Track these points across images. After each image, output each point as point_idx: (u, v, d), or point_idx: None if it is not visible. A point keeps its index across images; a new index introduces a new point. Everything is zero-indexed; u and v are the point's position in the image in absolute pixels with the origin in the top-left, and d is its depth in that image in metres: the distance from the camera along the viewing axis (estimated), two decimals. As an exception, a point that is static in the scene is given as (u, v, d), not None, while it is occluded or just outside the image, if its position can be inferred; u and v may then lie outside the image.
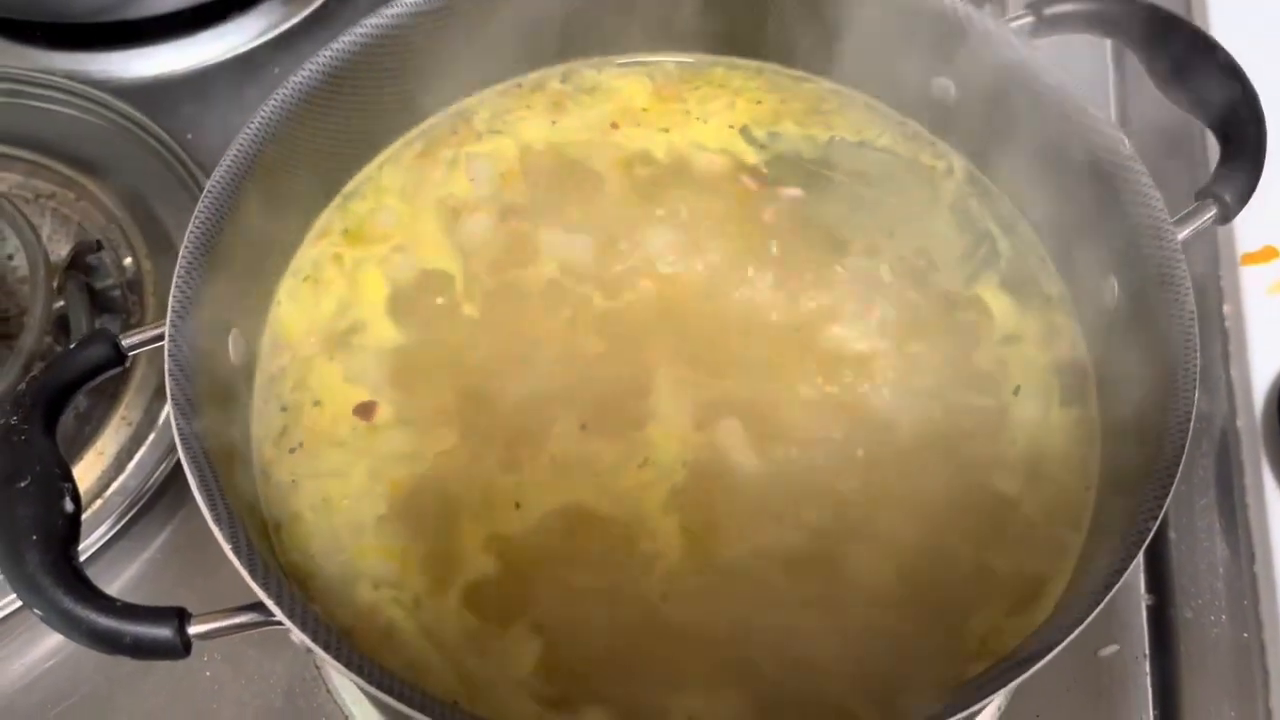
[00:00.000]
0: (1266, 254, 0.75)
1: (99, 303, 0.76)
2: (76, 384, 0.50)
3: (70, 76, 0.84)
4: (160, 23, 0.87)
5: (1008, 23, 0.62)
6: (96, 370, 0.51)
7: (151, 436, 0.70)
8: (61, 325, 0.74)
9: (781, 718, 0.49)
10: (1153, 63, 0.62)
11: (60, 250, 0.77)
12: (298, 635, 0.43)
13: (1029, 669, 0.45)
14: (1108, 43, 0.84)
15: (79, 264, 0.77)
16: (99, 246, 0.78)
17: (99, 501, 0.67)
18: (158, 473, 0.68)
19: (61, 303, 0.73)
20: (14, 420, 0.47)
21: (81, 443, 0.69)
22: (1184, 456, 0.48)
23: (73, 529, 0.45)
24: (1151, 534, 0.46)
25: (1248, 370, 0.71)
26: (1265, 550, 0.65)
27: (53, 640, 0.65)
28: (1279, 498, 0.66)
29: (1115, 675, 0.64)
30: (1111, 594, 0.46)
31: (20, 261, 0.77)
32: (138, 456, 0.69)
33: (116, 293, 0.77)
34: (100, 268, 0.78)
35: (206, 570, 0.67)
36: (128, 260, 0.77)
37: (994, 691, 0.45)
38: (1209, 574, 0.67)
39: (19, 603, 0.63)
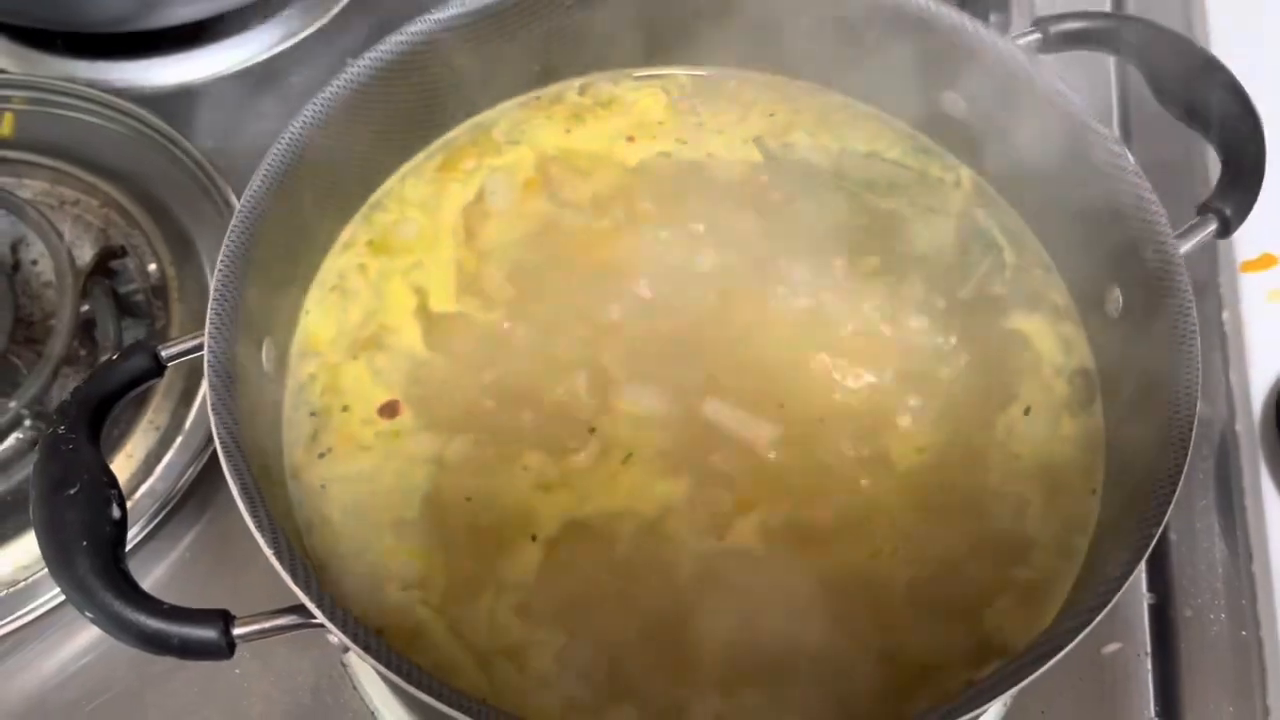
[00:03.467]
0: (1265, 261, 0.77)
1: (123, 307, 0.77)
2: (119, 394, 0.52)
3: (92, 85, 0.86)
4: (180, 32, 0.89)
5: (1015, 39, 0.64)
6: (137, 380, 0.52)
7: (179, 440, 0.71)
8: (86, 330, 0.75)
9: (799, 715, 0.51)
10: (1156, 80, 0.63)
11: (84, 256, 0.78)
12: (338, 637, 0.45)
13: (1032, 674, 0.46)
14: (1111, 59, 0.86)
15: (103, 269, 0.78)
16: (123, 252, 0.79)
17: (128, 504, 0.69)
18: (186, 475, 0.70)
19: (87, 307, 0.75)
20: (62, 430, 0.49)
21: (110, 446, 0.70)
22: (1186, 466, 0.50)
23: (120, 534, 0.47)
24: (1153, 543, 0.48)
25: (1246, 375, 0.73)
26: (1263, 550, 0.67)
27: (85, 638, 0.66)
28: (1277, 499, 0.68)
29: (1118, 672, 0.66)
30: (1114, 601, 0.47)
31: (44, 267, 0.79)
32: (166, 459, 0.71)
33: (140, 297, 0.78)
34: (124, 273, 0.79)
35: (234, 570, 0.69)
36: (152, 266, 0.79)
37: (1000, 694, 0.47)
38: (1208, 573, 0.69)
39: (52, 602, 0.65)
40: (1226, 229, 0.58)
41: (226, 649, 0.46)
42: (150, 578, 0.69)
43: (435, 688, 0.43)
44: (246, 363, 0.55)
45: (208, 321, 0.52)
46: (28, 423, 0.71)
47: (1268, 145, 0.60)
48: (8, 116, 0.84)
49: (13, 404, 0.69)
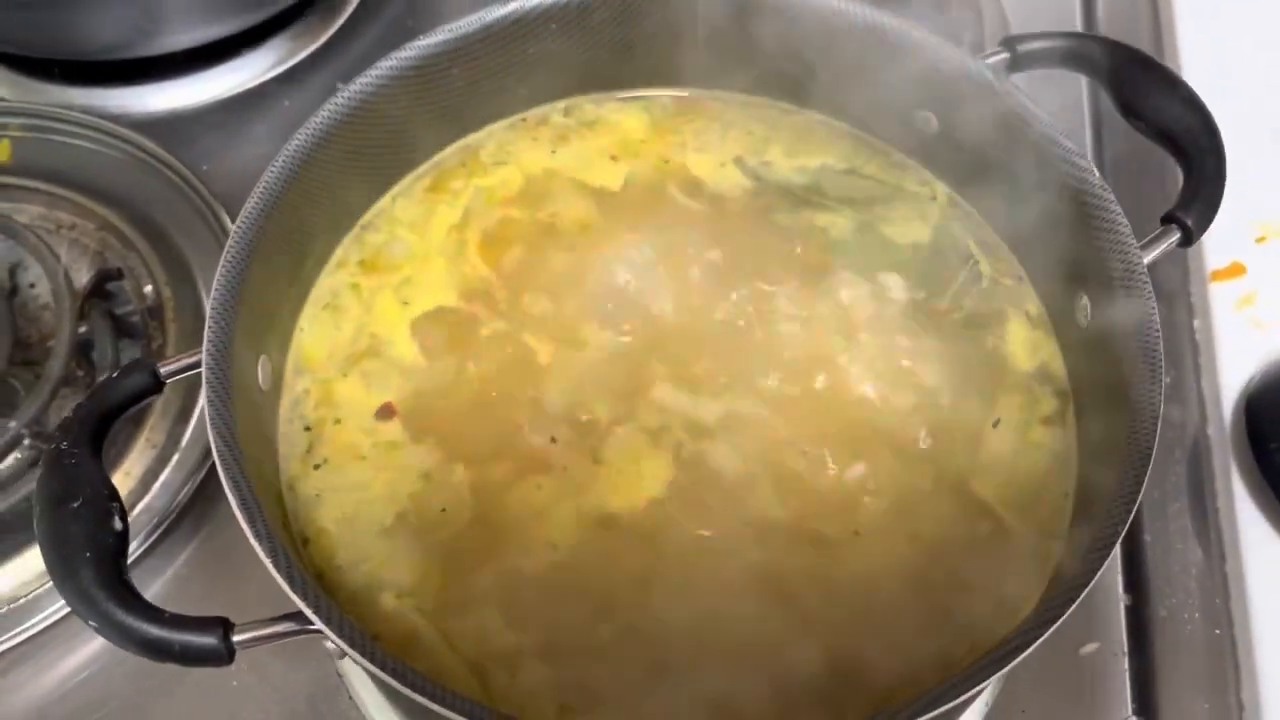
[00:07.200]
0: (1234, 270, 0.79)
1: (120, 329, 0.79)
2: (119, 410, 0.53)
3: (88, 111, 0.88)
4: (174, 59, 0.91)
5: (983, 59, 0.66)
6: (137, 397, 0.54)
7: (175, 457, 0.72)
8: (84, 351, 0.77)
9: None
10: (1120, 96, 0.65)
11: (81, 279, 0.79)
12: (334, 641, 0.46)
13: (1002, 668, 0.48)
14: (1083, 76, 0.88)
15: (99, 291, 0.80)
16: (120, 274, 0.81)
17: (126, 520, 0.70)
18: (183, 492, 0.71)
19: (84, 329, 0.76)
20: (64, 445, 0.50)
21: (108, 465, 0.69)
22: (1149, 470, 0.51)
23: (122, 546, 0.49)
24: (1118, 543, 0.50)
25: (1217, 381, 0.74)
26: (1235, 551, 0.69)
27: (85, 653, 0.67)
28: (1248, 502, 0.70)
29: (1095, 671, 0.67)
30: (1084, 595, 0.49)
31: (42, 289, 0.80)
32: (163, 477, 0.72)
33: (136, 319, 0.79)
34: (120, 295, 0.80)
35: (231, 584, 0.70)
36: (148, 288, 0.80)
37: (970, 688, 0.48)
38: (1182, 574, 0.71)
39: (53, 618, 0.67)
40: (1189, 239, 0.60)
41: (226, 655, 0.47)
42: (148, 593, 0.67)
43: (430, 689, 0.45)
44: (243, 379, 0.57)
45: (205, 340, 0.54)
46: (27, 442, 0.72)
47: (1232, 159, 0.62)
48: (5, 143, 0.86)
49: (12, 424, 0.70)
